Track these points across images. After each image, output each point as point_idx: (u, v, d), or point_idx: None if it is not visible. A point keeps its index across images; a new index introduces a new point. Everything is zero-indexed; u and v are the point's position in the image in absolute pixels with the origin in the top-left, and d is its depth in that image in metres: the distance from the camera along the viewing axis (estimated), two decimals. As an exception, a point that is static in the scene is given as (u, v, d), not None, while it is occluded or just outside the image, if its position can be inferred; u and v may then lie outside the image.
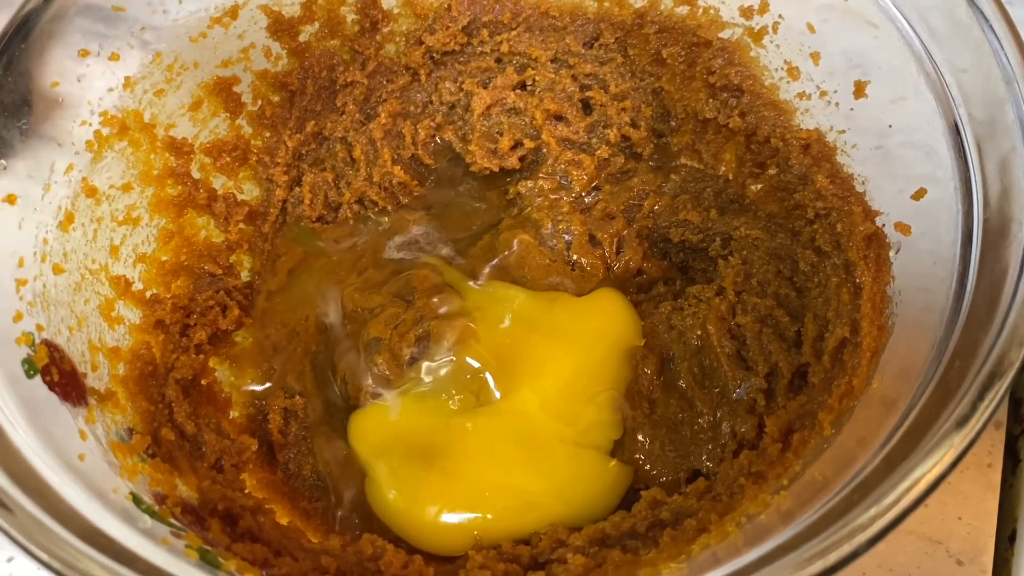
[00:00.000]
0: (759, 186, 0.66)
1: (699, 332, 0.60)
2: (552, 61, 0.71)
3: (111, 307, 0.58)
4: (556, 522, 0.54)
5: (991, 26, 0.49)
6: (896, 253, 0.53)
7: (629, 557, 0.49)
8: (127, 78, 0.61)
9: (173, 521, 0.46)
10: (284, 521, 0.55)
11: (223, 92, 0.67)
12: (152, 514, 0.45)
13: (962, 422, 0.38)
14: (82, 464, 0.45)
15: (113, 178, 0.61)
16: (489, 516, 0.55)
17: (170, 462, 0.52)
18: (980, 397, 0.39)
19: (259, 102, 0.70)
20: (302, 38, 0.70)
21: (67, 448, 0.45)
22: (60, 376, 0.50)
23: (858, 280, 0.54)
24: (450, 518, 0.55)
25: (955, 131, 0.52)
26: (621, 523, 0.52)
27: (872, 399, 0.48)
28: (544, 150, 0.70)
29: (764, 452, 0.52)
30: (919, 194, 0.53)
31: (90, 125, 0.59)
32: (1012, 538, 0.59)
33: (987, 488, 0.60)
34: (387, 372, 0.60)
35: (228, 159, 0.69)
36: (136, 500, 0.45)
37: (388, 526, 0.56)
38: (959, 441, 0.38)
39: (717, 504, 0.50)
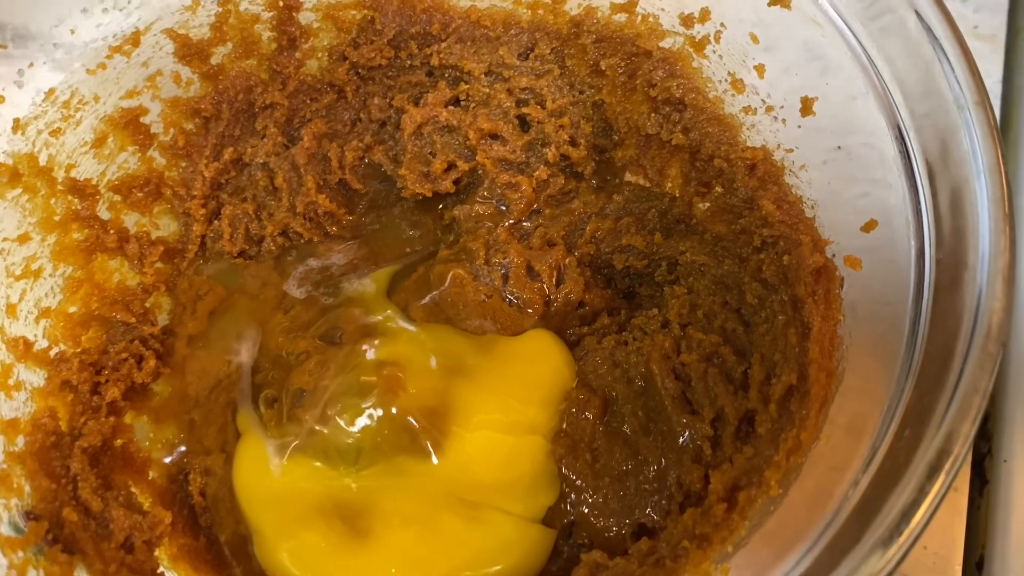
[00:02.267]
0: (706, 205, 0.61)
1: (643, 371, 0.56)
2: (486, 74, 0.66)
3: (8, 373, 0.54)
4: None
5: (941, 47, 0.45)
6: (841, 289, 0.49)
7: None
8: (16, 120, 0.57)
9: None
10: (205, 596, 0.52)
11: (129, 124, 0.63)
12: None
13: (908, 512, 0.35)
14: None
15: (6, 230, 0.56)
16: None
17: (72, 547, 0.48)
18: (928, 479, 0.36)
19: (171, 131, 0.65)
20: (214, 60, 0.65)
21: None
22: (-59, 466, 0.46)
23: (806, 319, 0.50)
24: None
25: (906, 157, 0.48)
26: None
27: (820, 459, 0.45)
28: (480, 171, 0.66)
29: (709, 511, 0.48)
30: (869, 226, 0.49)
31: (-25, 175, 0.55)
32: (980, 565, 0.57)
33: (953, 514, 0.58)
34: (312, 426, 0.56)
35: (140, 195, 0.64)
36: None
37: None
38: (904, 537, 0.34)
39: (659, 570, 0.47)
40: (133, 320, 0.61)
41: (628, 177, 0.66)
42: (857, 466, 0.41)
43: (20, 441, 0.52)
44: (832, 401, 0.47)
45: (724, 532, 0.46)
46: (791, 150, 0.56)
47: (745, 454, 0.49)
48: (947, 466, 0.36)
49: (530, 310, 0.61)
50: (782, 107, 0.56)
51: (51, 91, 0.58)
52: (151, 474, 0.58)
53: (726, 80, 0.59)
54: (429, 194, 0.66)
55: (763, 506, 0.46)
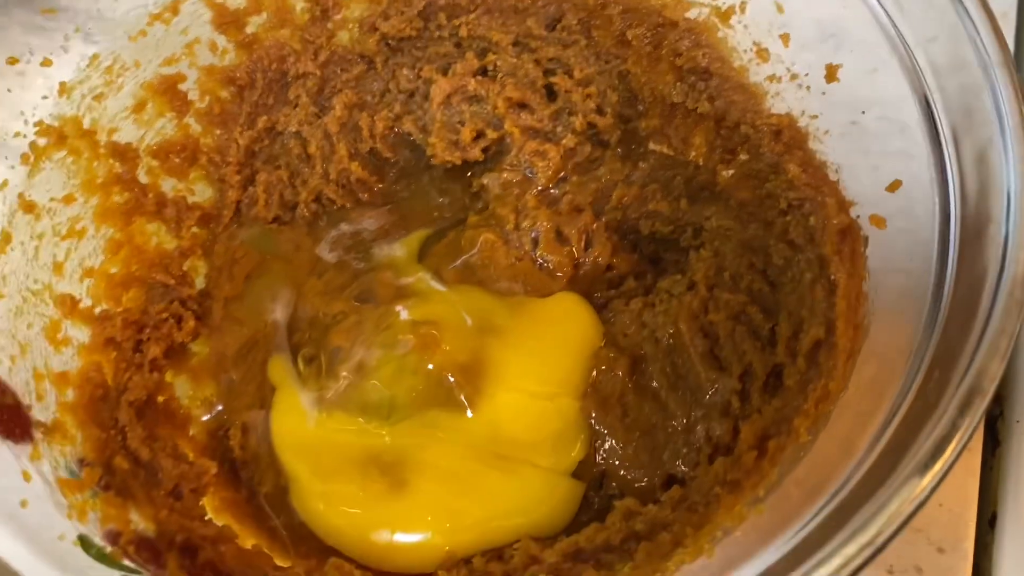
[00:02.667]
0: (730, 172, 0.63)
1: (671, 330, 0.58)
2: (514, 45, 0.68)
3: (57, 329, 0.56)
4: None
5: (965, 8, 0.47)
6: (866, 249, 0.51)
7: (604, 574, 0.48)
8: (62, 84, 0.58)
9: (126, 563, 0.44)
10: (248, 544, 0.53)
11: (168, 91, 0.64)
12: (102, 558, 0.43)
13: (942, 444, 0.37)
14: (24, 511, 0.43)
15: (53, 191, 0.58)
16: (449, 534, 0.53)
17: (124, 493, 0.50)
18: (960, 414, 0.37)
19: (207, 99, 0.67)
20: (249, 30, 0.66)
21: (7, 498, 0.42)
22: (1, 412, 0.47)
23: (833, 276, 0.52)
24: (404, 539, 0.53)
25: (930, 117, 0.50)
26: (595, 536, 0.51)
27: (849, 406, 0.47)
28: (508, 140, 0.68)
29: (739, 460, 0.50)
30: (894, 186, 0.51)
31: (24, 136, 0.56)
32: (992, 522, 0.58)
33: (967, 473, 0.59)
34: (350, 381, 0.58)
35: (177, 161, 0.66)
36: (85, 545, 0.43)
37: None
38: (938, 466, 0.36)
39: (692, 515, 0.49)
40: (172, 282, 0.63)
41: (652, 147, 0.68)
42: (886, 410, 0.43)
43: (70, 394, 0.54)
44: (859, 352, 0.48)
45: (755, 478, 0.48)
46: (815, 116, 0.58)
47: (774, 405, 0.51)
48: (978, 404, 0.38)
49: (559, 273, 0.63)
50: (807, 75, 0.58)
51: (95, 56, 0.59)
52: (191, 431, 0.60)
53: (751, 49, 0.61)
54: (458, 162, 0.67)
55: (793, 453, 0.48)
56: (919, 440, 0.38)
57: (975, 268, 0.43)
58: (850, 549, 0.35)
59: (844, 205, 0.54)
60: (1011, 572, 0.55)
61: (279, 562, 0.53)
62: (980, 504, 0.58)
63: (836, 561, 0.35)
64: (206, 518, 0.53)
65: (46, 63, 0.57)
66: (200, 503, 0.54)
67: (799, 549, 0.38)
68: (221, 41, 0.66)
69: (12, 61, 0.55)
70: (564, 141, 0.66)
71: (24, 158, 0.56)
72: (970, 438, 0.38)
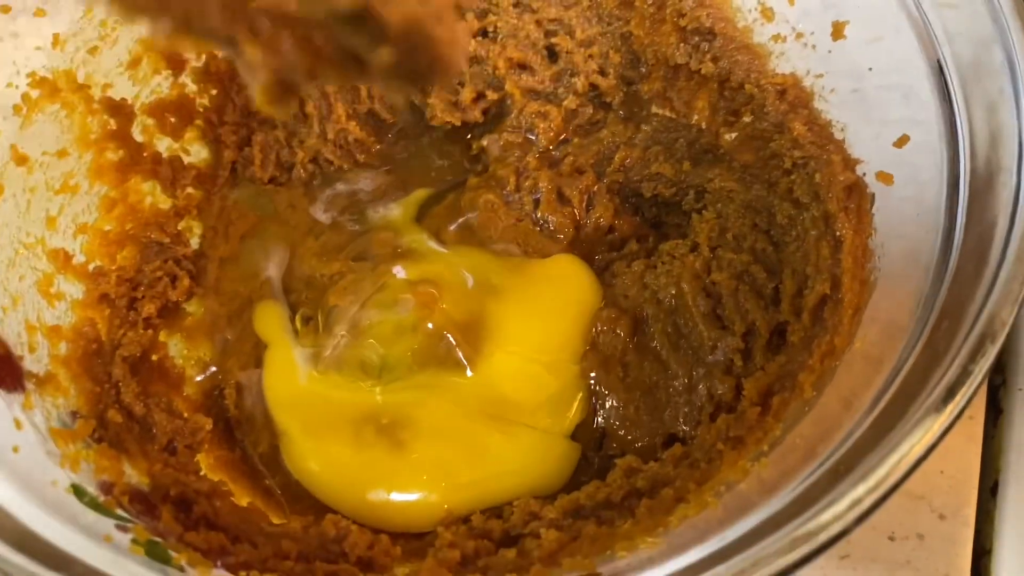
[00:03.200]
0: (733, 135, 0.63)
1: (673, 291, 0.57)
2: (514, 6, 0.67)
3: (50, 283, 0.55)
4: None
5: (977, -42, 0.46)
6: (872, 206, 0.51)
7: (605, 530, 0.47)
8: (56, 35, 0.57)
9: (120, 512, 0.43)
10: (244, 502, 0.52)
11: (163, 48, 0.63)
12: (96, 507, 0.42)
13: (953, 388, 0.36)
14: (15, 456, 0.42)
15: (46, 144, 0.57)
16: (446, 493, 0.53)
17: (118, 446, 0.49)
18: (972, 360, 0.37)
19: (203, 57, 0.65)
20: (247, -14, 0.65)
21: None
22: (-7, 361, 0.47)
23: (838, 233, 0.51)
24: (401, 497, 0.53)
25: (939, 72, 0.49)
26: (596, 493, 0.50)
27: (855, 360, 0.46)
28: (508, 101, 0.67)
29: (742, 415, 0.49)
30: (901, 141, 0.50)
31: (16, 87, 0.55)
32: (994, 490, 0.58)
33: (969, 440, 0.58)
34: (347, 339, 0.57)
35: (173, 119, 0.64)
36: (78, 492, 0.42)
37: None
38: (950, 409, 0.35)
39: (695, 471, 0.48)
40: (167, 240, 0.62)
41: (655, 110, 0.67)
42: (893, 362, 0.42)
43: (63, 347, 0.53)
44: (865, 308, 0.48)
45: (758, 434, 0.47)
46: (821, 76, 0.57)
47: (778, 362, 0.51)
48: (989, 349, 0.37)
49: (560, 235, 0.62)
50: (812, 33, 0.57)
51: (89, 8, 0.58)
52: (186, 390, 0.59)
53: (756, 9, 0.60)
54: (458, 123, 0.67)
55: (797, 408, 0.47)
56: (928, 387, 0.38)
57: (985, 218, 0.43)
58: (859, 491, 0.35)
59: (850, 162, 0.53)
60: (1012, 539, 0.55)
61: (274, 520, 0.52)
62: (982, 472, 0.57)
63: (844, 503, 0.35)
64: (201, 473, 0.52)
65: (39, 13, 0.56)
66: (195, 460, 0.53)
67: (805, 496, 0.38)
68: (218, -3, 0.64)
69: (5, 9, 0.54)
70: (566, 103, 0.65)
71: (16, 109, 0.55)
72: (980, 385, 0.37)
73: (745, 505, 0.41)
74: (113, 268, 0.59)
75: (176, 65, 0.64)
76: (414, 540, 0.52)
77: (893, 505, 0.55)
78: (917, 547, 0.55)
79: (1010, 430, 0.58)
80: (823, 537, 0.34)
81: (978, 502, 0.57)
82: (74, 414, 0.49)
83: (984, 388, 0.60)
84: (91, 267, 0.58)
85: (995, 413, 0.60)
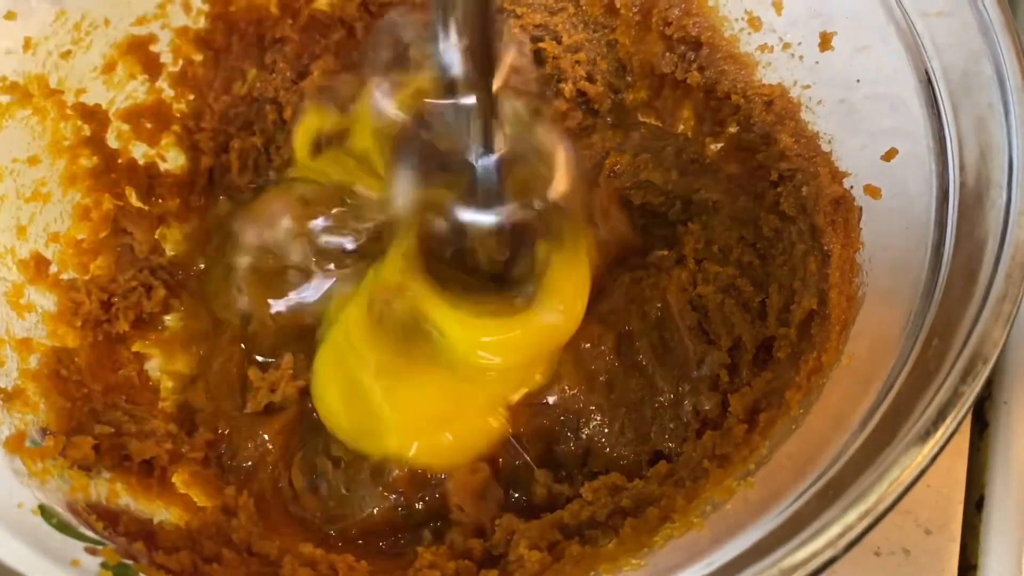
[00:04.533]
0: (719, 145, 0.62)
1: (659, 304, 0.56)
2: (498, 11, 0.66)
3: (20, 294, 0.53)
4: None
5: (966, -30, 0.46)
6: (860, 220, 0.50)
7: (588, 550, 0.46)
8: (27, 39, 0.55)
9: (89, 533, 0.42)
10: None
11: (139, 52, 0.61)
12: (64, 529, 0.41)
13: (944, 410, 0.35)
14: (-21, 477, 0.41)
15: (16, 151, 0.55)
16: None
17: (88, 465, 0.47)
18: (963, 381, 0.36)
19: (180, 62, 0.64)
20: (225, -9, 0.64)
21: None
22: (-44, 376, 0.45)
23: (825, 247, 0.51)
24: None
25: (927, 85, 0.48)
26: (580, 512, 0.49)
27: (843, 377, 0.45)
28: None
29: (729, 432, 0.49)
30: (890, 155, 0.49)
31: (-14, 92, 0.54)
32: (980, 504, 0.57)
33: (955, 455, 0.58)
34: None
35: (149, 125, 0.63)
36: (45, 514, 0.41)
37: None
38: (941, 431, 0.35)
39: (681, 490, 0.47)
40: (142, 250, 0.60)
41: (641, 119, 0.66)
42: (882, 380, 0.41)
43: (33, 361, 0.51)
44: (853, 324, 0.47)
45: (744, 451, 0.47)
46: (808, 87, 0.56)
47: (764, 378, 0.50)
48: (981, 370, 0.36)
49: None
50: (799, 43, 0.57)
51: (62, 12, 0.57)
52: (160, 403, 0.58)
53: (743, 18, 0.59)
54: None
55: (784, 426, 0.46)
56: (918, 409, 0.37)
57: (975, 235, 0.42)
58: (850, 517, 0.34)
59: (837, 175, 0.52)
60: (998, 554, 0.54)
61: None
62: (968, 486, 0.57)
63: (835, 529, 0.34)
64: (178, 491, 0.51)
65: (10, 16, 0.54)
66: (169, 477, 0.52)
67: (795, 519, 0.37)
68: (195, 2, 0.63)
69: (-26, 13, 0.53)
70: (555, 104, 0.64)
71: (-14, 115, 0.53)
72: (972, 406, 0.37)
73: (732, 527, 0.40)
74: (86, 278, 0.58)
75: (153, 70, 0.63)
76: (392, 560, 0.51)
77: (879, 519, 0.56)
78: (903, 563, 0.55)
79: (995, 444, 0.58)
80: (813, 566, 0.34)
81: (964, 517, 0.56)
82: (44, 431, 0.48)
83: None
84: (63, 277, 0.57)
85: (981, 426, 0.60)
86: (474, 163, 0.51)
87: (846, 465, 0.38)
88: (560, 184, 0.55)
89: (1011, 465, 0.56)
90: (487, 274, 0.57)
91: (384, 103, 0.58)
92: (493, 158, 0.51)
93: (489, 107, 0.48)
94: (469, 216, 0.54)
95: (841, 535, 0.34)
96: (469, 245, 0.56)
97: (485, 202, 0.53)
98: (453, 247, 0.57)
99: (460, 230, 0.55)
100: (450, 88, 0.47)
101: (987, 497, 0.57)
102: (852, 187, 0.52)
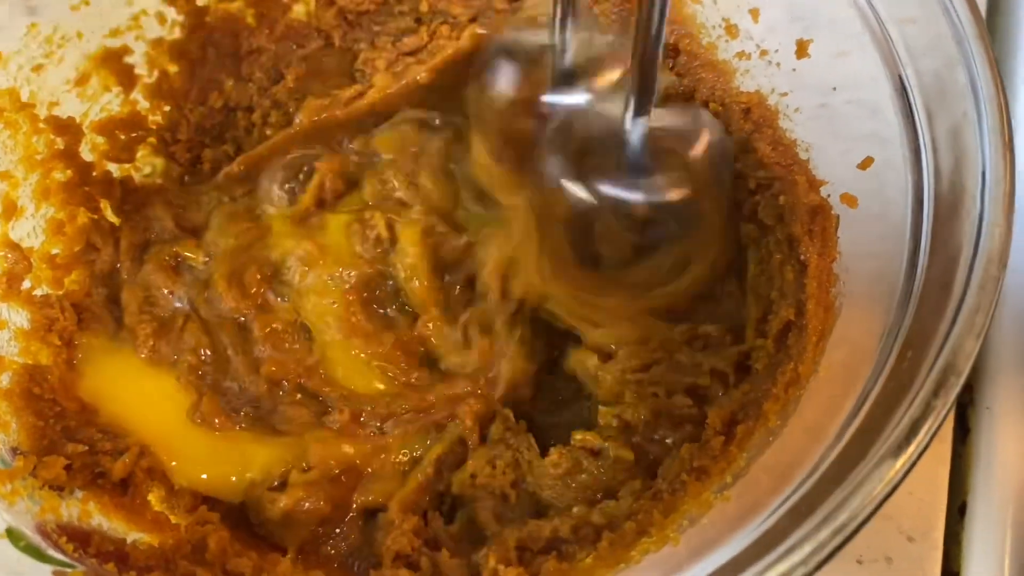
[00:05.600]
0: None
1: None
2: (473, 20, 0.66)
3: (-9, 311, 0.53)
4: None
5: (940, -21, 0.46)
6: (836, 228, 0.50)
7: (565, 566, 0.46)
8: (-3, 53, 0.55)
9: (58, 556, 0.41)
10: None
11: (113, 64, 0.61)
12: (32, 551, 0.40)
13: (917, 424, 0.35)
14: (-56, 503, 0.40)
15: (-12, 166, 0.55)
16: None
17: (60, 486, 0.47)
18: (935, 395, 0.36)
19: (155, 73, 0.64)
20: (200, 2, 0.64)
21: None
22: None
23: (803, 256, 0.51)
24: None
25: (902, 92, 0.48)
26: (560, 526, 0.49)
27: (819, 389, 0.45)
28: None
29: (706, 445, 0.48)
30: (866, 163, 0.49)
31: (-45, 108, 0.53)
32: (962, 510, 0.57)
33: (937, 461, 0.58)
34: None
35: (123, 137, 0.63)
36: (13, 537, 0.40)
37: None
38: (914, 448, 0.35)
39: (658, 503, 0.47)
40: (115, 266, 0.60)
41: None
42: (857, 392, 0.41)
43: (5, 379, 0.51)
44: (830, 335, 0.47)
45: (722, 464, 0.46)
46: (785, 94, 0.56)
47: (741, 389, 0.50)
48: (953, 383, 0.36)
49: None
50: (776, 51, 0.56)
51: (33, 25, 0.56)
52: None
53: (720, 26, 0.59)
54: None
55: (761, 438, 0.46)
56: (892, 422, 0.37)
57: (949, 245, 0.42)
58: (823, 534, 0.34)
59: (815, 184, 0.52)
60: (980, 561, 0.54)
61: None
62: (950, 492, 0.57)
63: (808, 547, 0.34)
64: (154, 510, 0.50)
65: (-20, 30, 0.54)
66: (147, 497, 0.51)
67: (769, 535, 0.37)
68: (170, 13, 0.63)
69: (-57, 28, 0.52)
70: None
71: (-44, 130, 0.53)
72: (944, 419, 0.36)
73: (708, 541, 0.40)
74: (60, 293, 0.57)
75: (127, 82, 0.62)
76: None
77: (861, 527, 0.55)
78: (886, 570, 0.54)
79: (978, 450, 0.58)
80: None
81: (946, 523, 0.56)
82: (14, 450, 0.47)
83: (952, 407, 0.60)
84: (37, 293, 0.56)
85: (963, 432, 0.60)
86: (626, 126, 0.51)
87: (819, 481, 0.37)
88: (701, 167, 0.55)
89: (993, 471, 0.56)
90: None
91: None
92: (643, 125, 0.51)
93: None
94: (612, 189, 0.54)
95: (816, 551, 0.34)
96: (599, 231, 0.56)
97: (630, 173, 0.53)
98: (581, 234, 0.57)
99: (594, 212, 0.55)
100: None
101: (969, 503, 0.57)
102: (829, 195, 0.52)
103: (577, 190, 0.55)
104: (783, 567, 0.34)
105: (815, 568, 0.34)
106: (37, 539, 0.42)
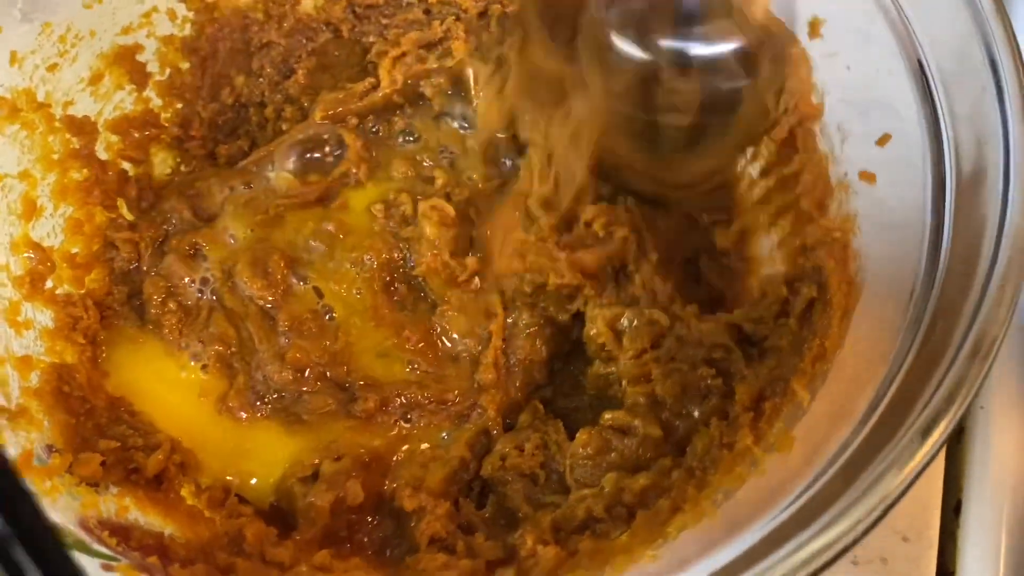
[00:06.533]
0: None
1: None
2: (482, 15, 0.66)
3: (16, 311, 0.53)
4: None
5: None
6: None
7: (603, 544, 0.46)
8: (13, 53, 0.55)
9: (102, 550, 0.42)
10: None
11: (126, 62, 0.61)
12: (78, 547, 0.40)
13: (955, 389, 0.36)
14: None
15: (6, 166, 0.55)
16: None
17: (96, 481, 0.47)
18: (971, 359, 0.37)
19: (167, 70, 0.64)
20: (209, -3, 0.64)
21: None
22: (-41, 397, 0.45)
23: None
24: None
25: (919, 69, 0.49)
26: (593, 505, 0.49)
27: (847, 365, 0.46)
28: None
29: (735, 421, 0.49)
30: (883, 140, 0.50)
31: (-26, 109, 0.53)
32: (957, 509, 0.57)
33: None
34: None
35: (137, 135, 0.63)
36: (60, 535, 0.41)
37: None
38: (954, 411, 0.35)
39: (691, 479, 0.48)
40: (138, 260, 0.60)
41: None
42: (887, 366, 0.42)
43: (34, 378, 0.51)
44: (854, 310, 0.48)
45: (753, 439, 0.47)
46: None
47: (767, 365, 0.50)
48: (988, 349, 0.37)
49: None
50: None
51: (47, 24, 0.56)
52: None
53: (729, 8, 0.60)
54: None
55: (790, 413, 0.47)
56: (927, 390, 0.38)
57: (973, 219, 0.43)
58: (869, 501, 0.34)
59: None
60: (976, 560, 0.54)
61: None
62: (945, 492, 0.57)
63: (853, 516, 0.35)
64: (187, 504, 0.51)
65: (-5, 30, 0.54)
66: (180, 491, 0.52)
67: (807, 508, 0.37)
68: (180, 9, 0.63)
69: (-41, 28, 0.52)
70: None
71: (-26, 131, 0.53)
72: (981, 386, 0.37)
73: (745, 516, 0.40)
74: (82, 292, 0.57)
75: (140, 79, 0.62)
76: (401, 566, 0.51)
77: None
78: (881, 571, 0.54)
79: (972, 449, 0.58)
80: (830, 554, 0.34)
81: (941, 523, 0.56)
82: (49, 448, 0.47)
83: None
84: (59, 292, 0.56)
85: (957, 431, 0.59)
86: None
87: (855, 453, 0.38)
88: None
89: (988, 470, 0.56)
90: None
91: None
92: None
93: None
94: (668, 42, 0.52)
95: (857, 523, 0.35)
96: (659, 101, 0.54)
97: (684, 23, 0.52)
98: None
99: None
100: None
101: (964, 502, 0.56)
102: (847, 173, 0.52)
103: (630, 48, 0.53)
104: (826, 538, 0.34)
105: (861, 536, 0.34)
106: (81, 534, 0.42)
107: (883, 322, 0.45)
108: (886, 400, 0.40)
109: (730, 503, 0.44)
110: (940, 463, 0.57)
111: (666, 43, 0.53)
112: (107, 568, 0.40)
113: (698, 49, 0.53)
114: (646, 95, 0.55)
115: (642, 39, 0.53)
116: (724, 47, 0.53)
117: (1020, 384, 0.57)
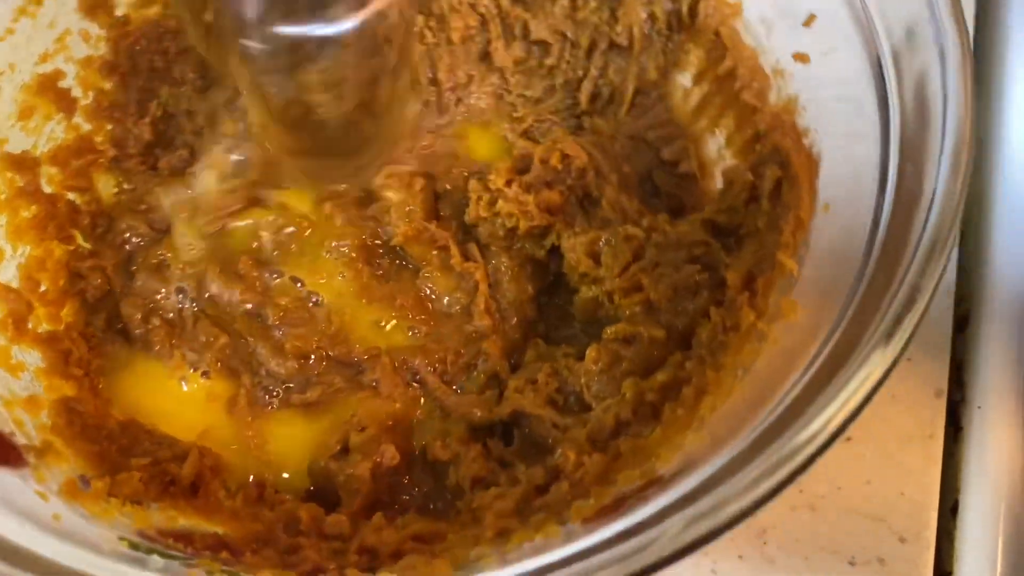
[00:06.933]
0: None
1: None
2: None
3: (7, 355, 0.52)
4: None
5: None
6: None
7: (640, 442, 0.49)
8: (-66, 97, 0.53)
9: (175, 554, 0.42)
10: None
11: (49, 91, 0.60)
12: (158, 552, 0.41)
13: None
14: (62, 525, 0.40)
15: (-43, 215, 0.53)
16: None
17: (137, 499, 0.47)
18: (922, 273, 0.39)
19: (90, 93, 0.62)
20: (119, 12, 0.63)
21: (39, 515, 0.39)
22: (-13, 442, 0.44)
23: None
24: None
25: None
26: (620, 412, 0.51)
27: (827, 226, 0.49)
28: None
29: (733, 304, 0.52)
30: (809, 20, 0.53)
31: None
32: (954, 510, 0.57)
33: (929, 461, 0.58)
34: None
35: (77, 164, 0.61)
36: (132, 544, 0.41)
37: None
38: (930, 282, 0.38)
39: (701, 367, 0.50)
40: (108, 287, 0.59)
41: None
42: (869, 219, 0.45)
43: (44, 416, 0.50)
44: (818, 176, 0.51)
45: (754, 315, 0.50)
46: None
47: (750, 248, 0.53)
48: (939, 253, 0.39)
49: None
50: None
51: (-26, 64, 0.55)
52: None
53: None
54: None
55: (783, 284, 0.50)
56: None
57: (918, 81, 0.45)
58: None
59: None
60: (973, 561, 0.54)
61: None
62: (942, 492, 0.57)
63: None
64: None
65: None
66: (218, 494, 0.52)
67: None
68: (93, 29, 0.61)
69: None
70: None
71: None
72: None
73: (765, 389, 0.42)
74: (61, 328, 0.56)
75: (67, 107, 0.61)
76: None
77: (854, 528, 0.55)
78: (878, 571, 0.54)
79: (969, 448, 0.58)
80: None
81: (938, 523, 0.56)
82: (83, 477, 0.47)
83: (943, 406, 0.59)
84: (41, 331, 0.55)
85: (954, 431, 0.60)
86: None
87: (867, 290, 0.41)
88: None
89: (985, 470, 0.57)
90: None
91: None
92: None
93: None
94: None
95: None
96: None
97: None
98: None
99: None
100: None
101: (961, 503, 0.57)
102: (779, 60, 0.56)
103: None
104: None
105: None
106: (153, 545, 0.42)
107: (854, 183, 0.48)
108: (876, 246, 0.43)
109: (751, 376, 0.47)
110: (937, 464, 0.57)
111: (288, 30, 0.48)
112: (189, 566, 0.40)
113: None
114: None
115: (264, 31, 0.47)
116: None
117: (1017, 384, 0.58)
